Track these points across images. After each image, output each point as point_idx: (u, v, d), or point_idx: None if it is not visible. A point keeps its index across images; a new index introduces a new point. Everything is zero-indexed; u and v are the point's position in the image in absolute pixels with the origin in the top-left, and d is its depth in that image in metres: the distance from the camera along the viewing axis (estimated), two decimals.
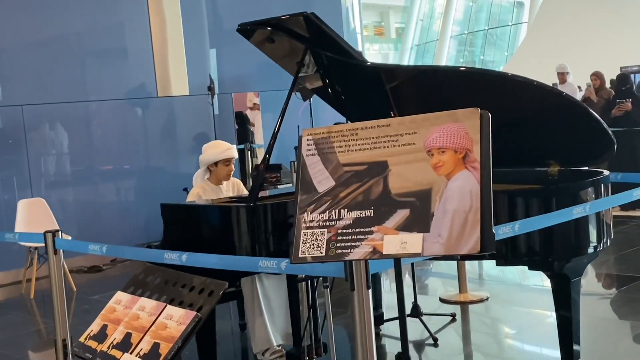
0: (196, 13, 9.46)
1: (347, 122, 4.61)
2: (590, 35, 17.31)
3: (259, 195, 3.84)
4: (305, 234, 2.16)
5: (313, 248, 2.14)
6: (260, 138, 9.63)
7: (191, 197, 4.55)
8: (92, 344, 2.44)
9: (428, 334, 4.56)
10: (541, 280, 5.47)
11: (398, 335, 3.25)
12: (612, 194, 3.69)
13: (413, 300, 4.82)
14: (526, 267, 3.54)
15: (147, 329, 2.29)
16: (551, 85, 10.04)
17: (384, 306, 4.88)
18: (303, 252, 2.15)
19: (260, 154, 9.35)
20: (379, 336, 4.68)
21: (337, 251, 2.11)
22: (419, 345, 4.51)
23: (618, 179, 4.43)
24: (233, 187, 4.73)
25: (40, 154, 8.01)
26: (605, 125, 3.56)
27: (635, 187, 3.75)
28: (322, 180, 2.21)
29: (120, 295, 2.49)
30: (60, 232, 3.81)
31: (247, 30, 4.05)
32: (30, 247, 6.85)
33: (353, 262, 2.33)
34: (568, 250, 3.47)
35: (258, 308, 4.20)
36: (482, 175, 2.02)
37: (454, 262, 5.54)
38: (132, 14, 8.80)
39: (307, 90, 4.79)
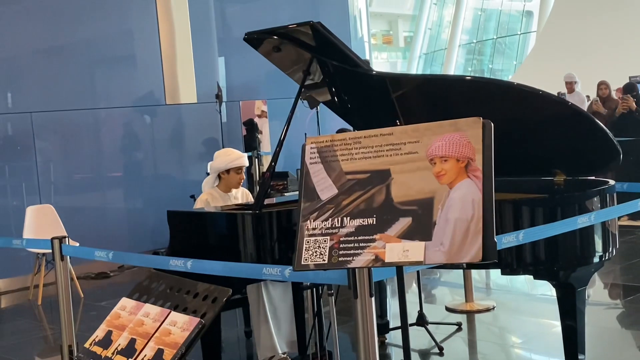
0: (205, 21, 9.51)
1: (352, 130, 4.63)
2: (599, 45, 17.30)
3: (265, 203, 3.85)
4: (307, 242, 2.17)
5: (315, 255, 2.15)
6: (267, 145, 9.65)
7: (199, 204, 4.56)
8: (97, 349, 2.45)
9: (434, 343, 4.56)
10: (548, 290, 5.43)
11: None
12: (617, 203, 3.69)
13: (419, 309, 4.82)
14: (532, 277, 3.54)
15: (152, 335, 2.30)
16: (559, 94, 10.06)
17: (389, 315, 4.88)
18: (305, 260, 2.16)
19: (268, 162, 9.36)
20: (384, 345, 4.68)
21: (340, 259, 2.12)
22: (425, 355, 4.51)
23: (624, 189, 4.42)
24: (242, 196, 4.73)
25: (49, 160, 8.06)
26: (611, 135, 3.56)
27: None
28: (325, 188, 2.22)
29: (125, 302, 2.50)
30: (67, 239, 3.82)
31: (254, 39, 4.08)
32: (38, 253, 6.88)
33: (356, 269, 2.34)
34: (573, 260, 3.47)
35: (263, 315, 4.21)
36: (484, 184, 2.02)
37: (460, 271, 5.54)
38: (141, 22, 8.86)
39: (314, 98, 4.80)
